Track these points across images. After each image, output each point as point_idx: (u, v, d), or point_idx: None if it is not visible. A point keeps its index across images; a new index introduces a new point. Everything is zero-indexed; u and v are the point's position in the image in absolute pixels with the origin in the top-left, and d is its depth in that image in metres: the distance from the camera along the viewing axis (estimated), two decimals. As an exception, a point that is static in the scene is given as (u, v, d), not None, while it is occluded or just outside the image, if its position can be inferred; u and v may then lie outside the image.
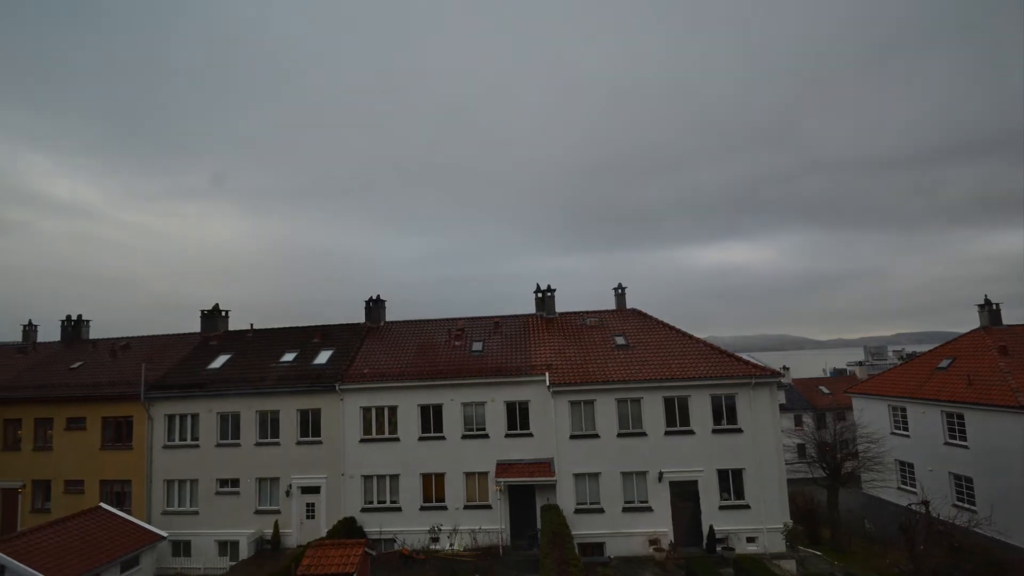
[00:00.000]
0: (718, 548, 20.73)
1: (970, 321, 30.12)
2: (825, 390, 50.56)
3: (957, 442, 25.47)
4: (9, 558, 17.57)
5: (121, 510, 22.55)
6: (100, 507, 22.03)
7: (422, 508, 22.95)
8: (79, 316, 31.97)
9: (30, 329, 32.39)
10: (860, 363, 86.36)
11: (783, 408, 40.81)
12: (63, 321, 31.90)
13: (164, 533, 22.18)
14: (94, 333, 32.31)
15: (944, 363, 28.13)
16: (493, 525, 22.28)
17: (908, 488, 27.81)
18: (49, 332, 32.62)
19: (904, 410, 28.61)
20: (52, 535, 19.25)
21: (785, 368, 50.98)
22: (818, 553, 22.34)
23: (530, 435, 23.05)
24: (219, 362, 26.71)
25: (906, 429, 28.40)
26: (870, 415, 29.94)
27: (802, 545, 22.41)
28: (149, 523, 22.72)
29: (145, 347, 29.09)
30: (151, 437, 24.74)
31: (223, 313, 30.82)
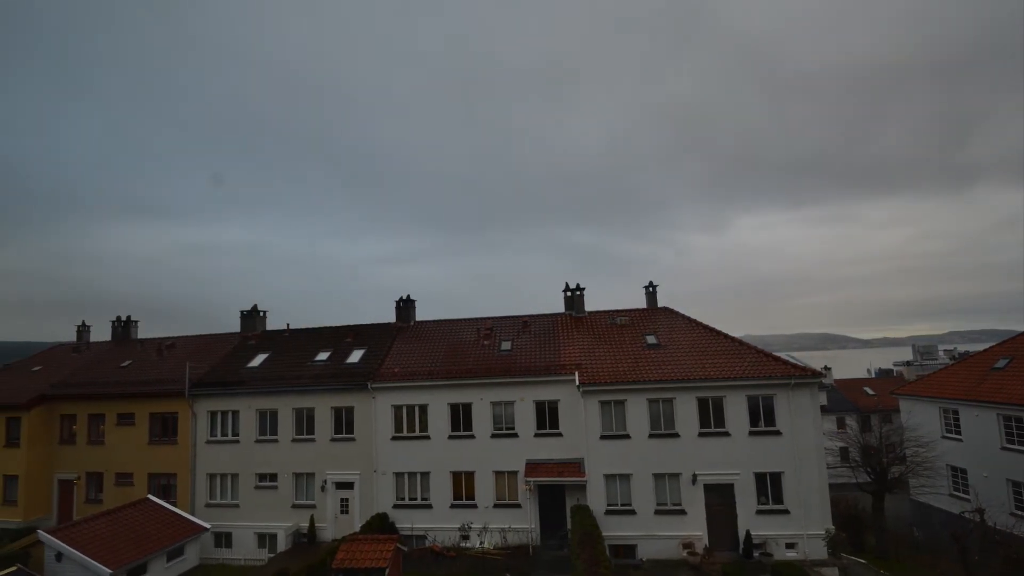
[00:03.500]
0: (755, 554, 20.13)
1: (1030, 318, 28.28)
2: (870, 391, 48.43)
3: (1015, 447, 23.94)
4: (66, 545, 18.65)
5: (167, 502, 23.65)
6: (148, 499, 23.14)
7: (452, 506, 23.13)
8: (128, 317, 33.63)
9: (83, 329, 34.26)
10: (908, 363, 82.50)
11: (825, 410, 39.31)
12: (113, 321, 33.61)
13: (207, 525, 23.12)
14: (142, 333, 33.96)
15: (1001, 363, 26.49)
16: (523, 524, 22.26)
17: (961, 495, 26.33)
18: (101, 332, 34.49)
19: (956, 413, 27.10)
20: (105, 524, 20.32)
21: (827, 368, 49.10)
22: (862, 561, 21.40)
23: (560, 435, 22.91)
24: (257, 361, 27.60)
25: (959, 433, 26.89)
26: (919, 418, 28.48)
27: (845, 552, 21.51)
28: (193, 515, 23.73)
29: (189, 346, 30.33)
30: (195, 432, 25.77)
31: (261, 313, 31.85)
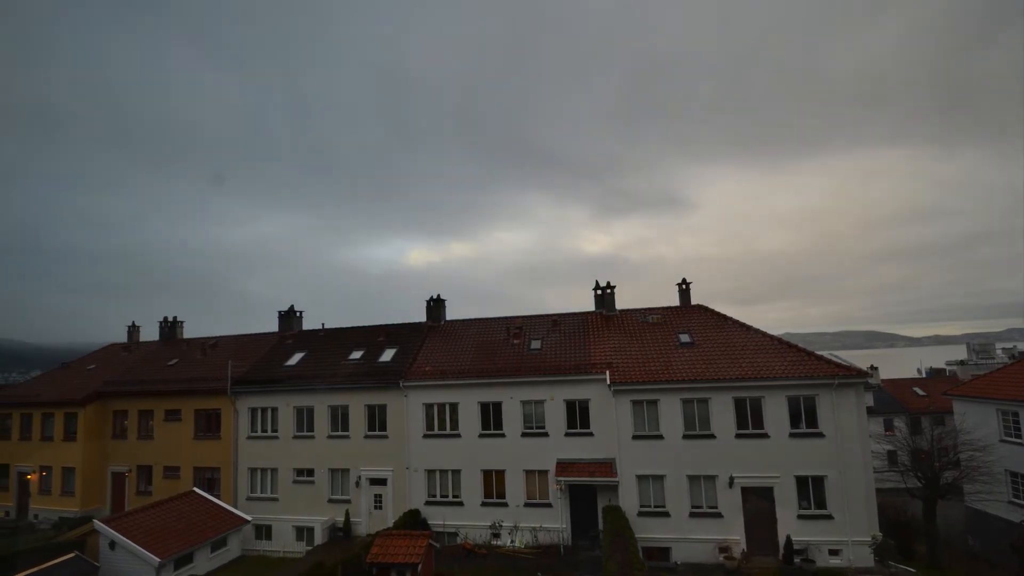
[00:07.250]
0: (796, 560, 19.41)
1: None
2: (920, 392, 46.07)
3: (1084, 453, 22.35)
4: (119, 535, 19.65)
5: (211, 495, 24.59)
6: (194, 491, 24.13)
7: (483, 504, 23.21)
8: (174, 317, 35.15)
9: (133, 330, 36.04)
10: (962, 362, 78.16)
11: (871, 411, 37.59)
12: (161, 322, 35.18)
13: (248, 517, 23.93)
14: (187, 332, 35.45)
15: (1067, 362, 24.77)
16: (554, 524, 22.15)
17: (1021, 502, 24.76)
18: (149, 332, 36.19)
19: (1016, 415, 25.47)
20: (154, 515, 21.31)
21: (873, 367, 46.97)
22: (912, 570, 20.35)
23: (590, 434, 22.68)
24: (295, 359, 28.40)
25: (1018, 436, 25.27)
26: (974, 420, 26.90)
27: (893, 560, 20.51)
28: (235, 507, 24.59)
29: (231, 346, 31.49)
30: (236, 428, 26.73)
31: (297, 313, 32.76)
